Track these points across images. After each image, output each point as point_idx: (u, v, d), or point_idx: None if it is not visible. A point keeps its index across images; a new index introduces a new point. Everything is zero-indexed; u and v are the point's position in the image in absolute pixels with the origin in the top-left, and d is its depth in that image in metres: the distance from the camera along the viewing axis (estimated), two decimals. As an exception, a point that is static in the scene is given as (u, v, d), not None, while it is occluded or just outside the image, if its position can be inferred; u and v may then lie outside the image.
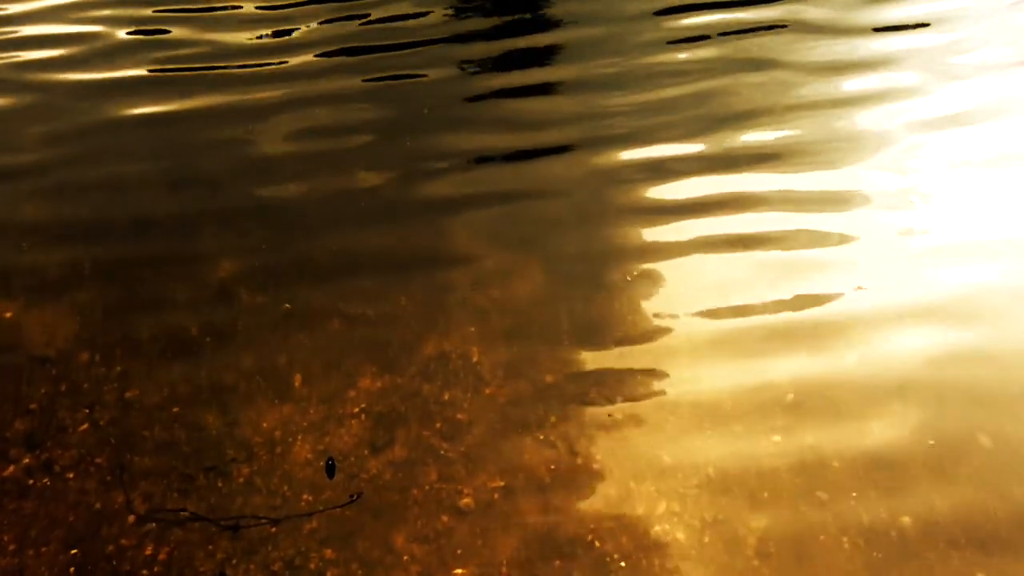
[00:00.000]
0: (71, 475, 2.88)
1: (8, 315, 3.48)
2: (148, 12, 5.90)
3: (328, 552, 2.65)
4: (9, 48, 5.56)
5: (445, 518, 2.72)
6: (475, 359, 3.20)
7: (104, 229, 3.94)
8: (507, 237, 3.77)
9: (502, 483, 2.80)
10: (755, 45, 5.10)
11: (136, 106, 4.89)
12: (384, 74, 5.08)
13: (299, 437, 2.97)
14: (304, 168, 4.29)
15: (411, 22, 5.65)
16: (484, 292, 3.48)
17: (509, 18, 5.67)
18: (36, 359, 3.28)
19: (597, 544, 2.63)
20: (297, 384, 3.15)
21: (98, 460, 2.92)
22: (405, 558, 2.63)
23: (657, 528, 2.65)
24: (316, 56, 5.31)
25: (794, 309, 3.36)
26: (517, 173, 4.21)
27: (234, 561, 2.62)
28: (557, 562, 2.60)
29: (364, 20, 5.72)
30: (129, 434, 3.00)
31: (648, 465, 2.83)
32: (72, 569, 2.63)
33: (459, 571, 2.60)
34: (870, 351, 3.18)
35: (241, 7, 5.97)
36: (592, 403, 3.02)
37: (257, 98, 4.90)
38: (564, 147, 4.37)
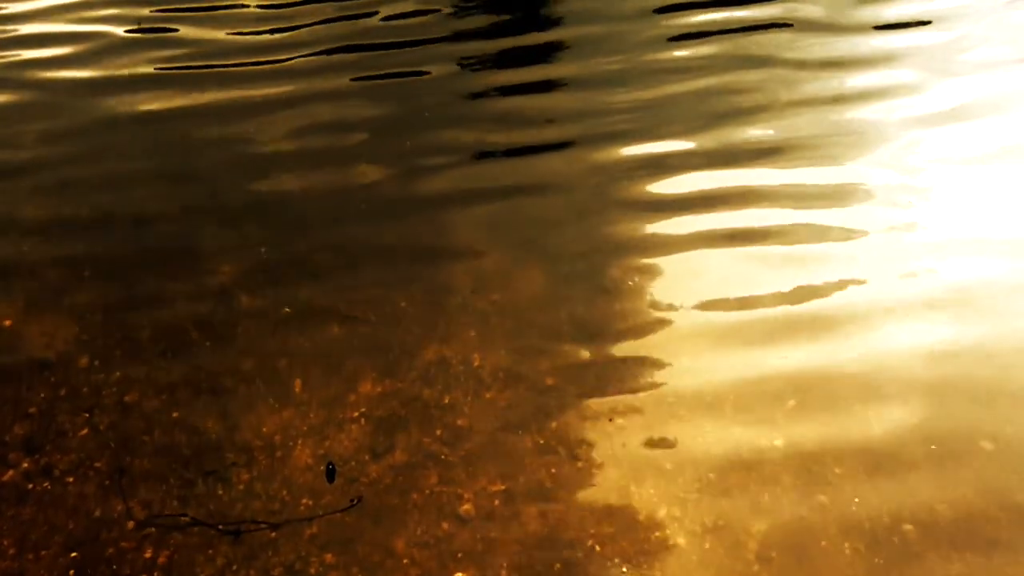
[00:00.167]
0: (70, 479, 2.87)
1: (7, 319, 3.48)
2: (149, 10, 5.90)
3: (328, 557, 2.65)
4: (9, 46, 5.55)
5: (445, 523, 2.71)
6: (476, 363, 3.19)
7: (104, 231, 3.93)
8: (508, 238, 3.77)
9: (503, 487, 2.79)
10: (755, 42, 5.11)
11: (136, 104, 4.89)
12: (385, 71, 5.08)
13: (299, 441, 2.96)
14: (305, 168, 4.29)
15: (413, 20, 5.64)
16: (485, 295, 3.47)
17: (510, 16, 5.67)
18: (35, 363, 3.27)
19: (598, 548, 2.62)
20: (297, 388, 3.14)
21: (97, 464, 2.92)
22: (405, 561, 2.63)
23: (658, 533, 2.65)
24: (317, 54, 5.31)
25: (798, 308, 3.37)
26: (518, 170, 4.21)
27: (234, 567, 2.62)
28: (558, 566, 2.60)
29: (366, 18, 5.72)
30: (129, 438, 2.99)
31: (649, 469, 2.82)
32: (72, 572, 2.62)
33: (460, 575, 2.59)
34: (871, 353, 3.17)
35: (246, 6, 5.97)
36: (593, 407, 3.02)
37: (258, 96, 4.90)
38: (565, 144, 4.38)
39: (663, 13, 5.51)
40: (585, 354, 3.21)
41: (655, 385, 3.09)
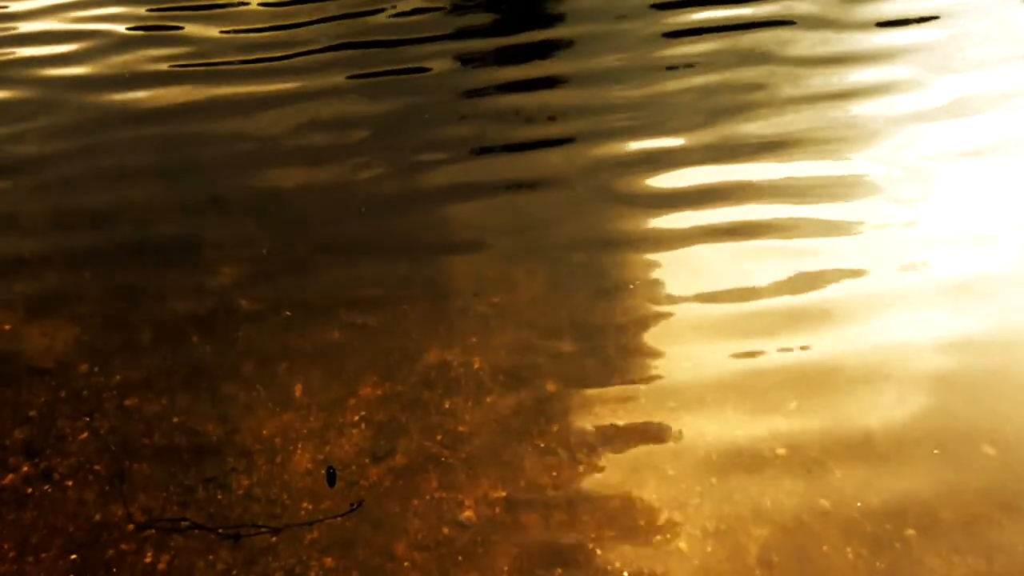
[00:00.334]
0: (70, 483, 2.86)
1: (8, 322, 3.47)
2: (151, 8, 5.93)
3: (328, 561, 2.64)
4: (11, 44, 5.58)
5: (446, 527, 2.70)
6: (476, 367, 3.19)
7: (104, 233, 3.94)
8: (509, 238, 3.77)
9: (503, 492, 2.79)
10: (754, 39, 5.16)
11: (137, 102, 4.91)
12: (386, 68, 5.11)
13: (299, 446, 2.96)
14: (305, 167, 4.30)
15: (414, 17, 5.68)
16: (486, 298, 3.47)
17: (511, 14, 5.70)
18: (36, 367, 3.27)
19: (599, 553, 2.61)
20: (297, 392, 3.14)
21: (97, 468, 2.91)
22: (406, 564, 2.62)
23: (659, 537, 2.64)
24: (318, 52, 5.34)
25: (799, 304, 3.38)
26: (519, 167, 4.23)
27: (234, 571, 2.61)
28: (559, 570, 2.58)
29: (367, 16, 5.75)
30: (129, 442, 2.99)
31: (650, 473, 2.81)
32: (71, 576, 2.62)
33: (460, 579, 2.59)
34: (872, 350, 3.18)
35: (246, 3, 6.01)
36: (594, 410, 3.01)
37: (259, 94, 4.93)
38: (566, 140, 4.40)
39: (663, 10, 5.57)
40: (586, 357, 3.20)
41: (657, 388, 3.08)
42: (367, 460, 2.91)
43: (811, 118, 4.43)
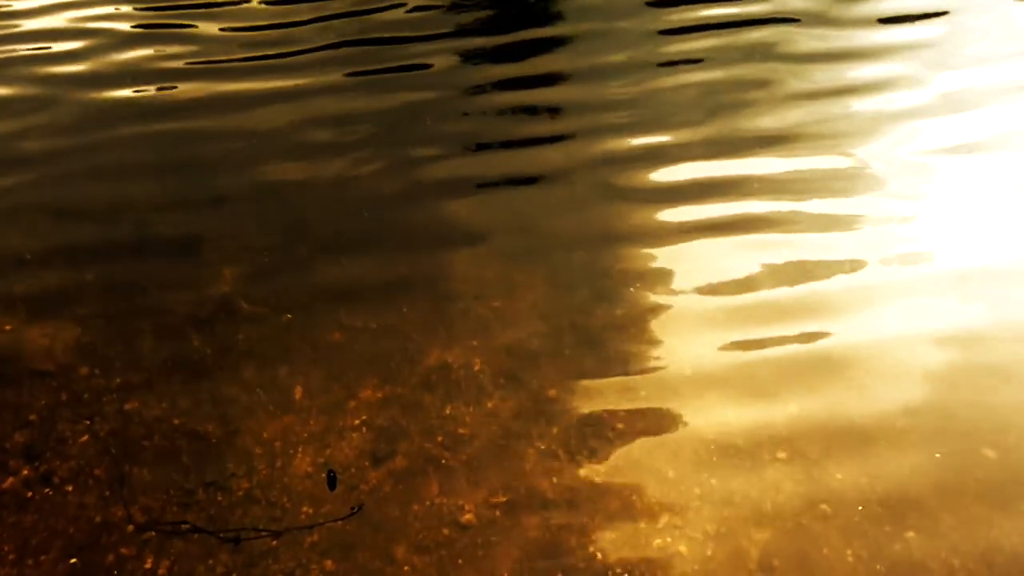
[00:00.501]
0: (70, 487, 2.86)
1: (8, 326, 3.48)
2: (152, 6, 5.94)
3: (328, 564, 2.64)
4: (12, 42, 5.58)
5: (446, 531, 2.70)
6: (477, 369, 3.19)
7: (105, 234, 3.94)
8: (509, 237, 3.79)
9: (504, 496, 2.78)
10: (753, 36, 5.18)
11: (138, 101, 4.92)
12: (386, 66, 5.11)
13: (300, 449, 2.96)
14: (306, 166, 4.31)
15: (414, 15, 5.70)
16: (486, 302, 3.46)
17: (511, 12, 5.71)
18: (36, 370, 3.27)
19: (599, 556, 2.61)
20: (298, 395, 3.14)
21: (97, 472, 2.91)
22: (406, 568, 2.62)
23: (659, 541, 2.64)
24: (318, 49, 5.35)
25: (799, 300, 3.39)
26: (520, 164, 4.25)
27: (234, 575, 2.61)
28: (559, 574, 2.58)
29: (368, 14, 5.76)
30: (129, 446, 2.99)
31: (651, 477, 2.81)
32: (72, 579, 2.62)
33: (460, 583, 2.59)
34: (873, 347, 3.18)
35: (248, 1, 6.01)
36: (595, 415, 3.01)
37: (259, 92, 4.95)
38: (566, 136, 4.42)
39: (662, 8, 5.59)
40: (586, 359, 3.20)
41: (657, 389, 3.08)
42: (367, 463, 2.91)
43: (810, 113, 4.46)
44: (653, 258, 3.63)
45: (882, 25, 5.22)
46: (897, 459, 2.82)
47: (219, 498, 2.82)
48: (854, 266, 3.52)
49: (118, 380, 3.22)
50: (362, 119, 4.64)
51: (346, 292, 3.56)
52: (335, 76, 5.05)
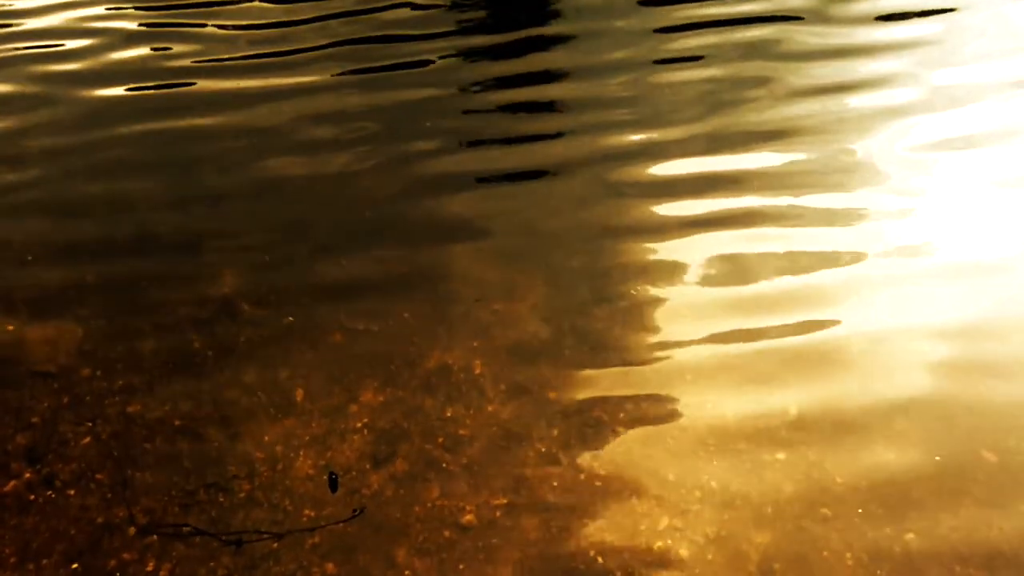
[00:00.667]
0: (72, 490, 2.87)
1: (10, 327, 3.48)
2: (153, 5, 5.94)
3: (330, 566, 2.64)
4: (13, 40, 5.58)
5: (447, 533, 2.71)
6: (477, 372, 3.19)
7: (106, 234, 3.94)
8: (509, 235, 3.79)
9: (504, 499, 2.79)
10: (751, 34, 5.20)
11: (139, 100, 4.92)
12: (387, 64, 5.11)
13: (301, 452, 2.96)
14: (307, 165, 4.31)
15: (414, 13, 5.70)
16: (487, 305, 3.46)
17: (511, 10, 5.71)
18: (38, 372, 3.27)
19: (600, 560, 2.62)
20: (299, 398, 3.14)
21: (99, 475, 2.91)
22: (407, 572, 2.62)
23: (660, 544, 2.64)
24: (318, 48, 5.35)
25: (800, 297, 3.41)
26: (520, 161, 4.28)
27: (236, 578, 2.62)
28: None
29: (368, 13, 5.76)
30: (131, 448, 2.99)
31: (651, 480, 2.81)
32: (74, 582, 2.63)
33: (461, 585, 2.60)
34: (872, 350, 3.18)
35: (249, 0, 6.01)
36: (595, 417, 3.01)
37: (260, 91, 4.94)
38: (566, 133, 4.42)
39: (661, 6, 5.59)
40: (588, 364, 3.20)
41: (658, 392, 3.08)
42: (368, 465, 2.91)
43: (809, 110, 4.48)
44: (653, 253, 3.64)
45: (880, 23, 5.23)
46: (897, 458, 2.82)
47: (221, 500, 2.82)
48: (853, 260, 3.54)
49: (120, 382, 3.22)
50: (363, 117, 4.65)
51: (347, 293, 3.56)
52: (336, 74, 5.05)
